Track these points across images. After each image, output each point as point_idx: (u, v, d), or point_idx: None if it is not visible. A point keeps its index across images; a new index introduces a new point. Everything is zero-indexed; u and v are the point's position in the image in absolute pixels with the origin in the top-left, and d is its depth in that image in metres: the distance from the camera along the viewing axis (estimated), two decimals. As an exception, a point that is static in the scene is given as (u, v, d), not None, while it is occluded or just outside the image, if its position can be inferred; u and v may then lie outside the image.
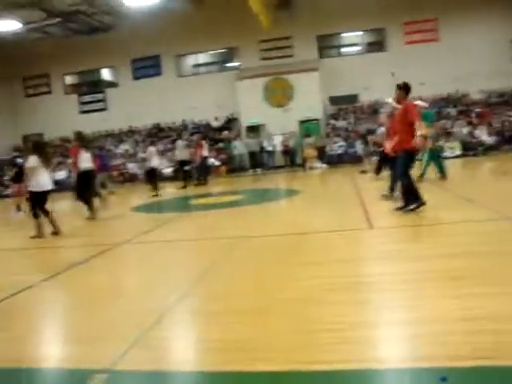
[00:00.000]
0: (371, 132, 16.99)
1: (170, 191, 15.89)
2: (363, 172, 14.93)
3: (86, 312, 3.89)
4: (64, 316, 4.04)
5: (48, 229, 8.31)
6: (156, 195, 13.92)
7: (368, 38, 24.90)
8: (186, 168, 17.15)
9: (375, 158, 16.28)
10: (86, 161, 9.98)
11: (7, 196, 18.54)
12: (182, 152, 16.49)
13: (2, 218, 12.86)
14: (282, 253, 5.40)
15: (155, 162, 14.36)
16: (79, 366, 2.83)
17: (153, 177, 14.51)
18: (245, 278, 4.41)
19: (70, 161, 16.09)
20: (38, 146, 8.49)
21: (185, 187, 16.04)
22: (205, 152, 19.03)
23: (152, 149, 14.54)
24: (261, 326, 3.19)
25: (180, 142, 17.00)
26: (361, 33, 24.65)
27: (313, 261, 4.85)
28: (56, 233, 8.30)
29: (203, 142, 18.21)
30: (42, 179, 8.24)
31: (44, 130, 27.60)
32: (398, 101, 7.58)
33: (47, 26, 23.40)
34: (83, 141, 10.25)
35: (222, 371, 2.61)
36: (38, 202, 8.26)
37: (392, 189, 8.46)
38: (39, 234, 8.19)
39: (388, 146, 8.28)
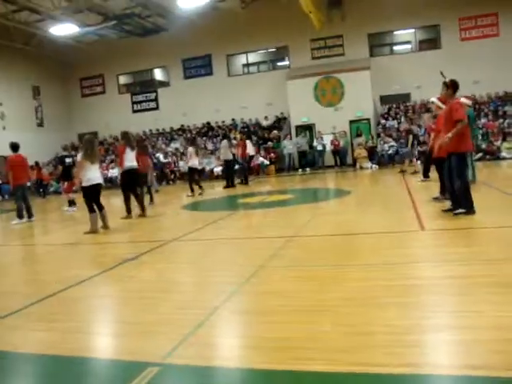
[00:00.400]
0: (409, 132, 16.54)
1: (218, 190, 16.06)
2: (402, 171, 14.60)
3: (138, 306, 3.98)
4: (116, 309, 4.15)
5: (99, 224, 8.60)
6: (192, 195, 13.83)
7: (421, 35, 24.33)
8: (230, 167, 17.17)
9: (415, 159, 15.91)
10: (130, 159, 10.22)
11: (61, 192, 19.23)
12: (226, 152, 16.59)
13: (57, 214, 13.35)
14: (333, 253, 5.35)
15: (194, 161, 14.41)
16: (132, 358, 2.89)
17: (191, 177, 14.59)
18: (295, 278, 4.40)
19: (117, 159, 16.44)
20: (87, 141, 8.71)
21: (228, 187, 16.14)
22: (250, 151, 19.11)
23: (191, 149, 14.61)
24: (312, 325, 3.16)
25: (224, 142, 17.08)
26: (413, 30, 24.07)
27: (363, 262, 4.79)
28: (105, 228, 8.55)
29: (247, 142, 18.24)
30: (91, 174, 8.47)
31: (98, 128, 28.49)
32: (444, 100, 7.37)
33: (103, 28, 24.10)
34: (129, 140, 10.50)
35: (272, 370, 2.60)
36: (90, 196, 8.49)
37: (442, 191, 8.24)
38: (93, 230, 8.44)
39: (436, 147, 8.04)
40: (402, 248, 5.29)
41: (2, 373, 2.93)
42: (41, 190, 22.04)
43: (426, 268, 4.42)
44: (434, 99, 8.47)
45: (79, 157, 8.47)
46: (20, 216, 11.14)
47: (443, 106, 7.65)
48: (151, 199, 12.28)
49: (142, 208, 10.18)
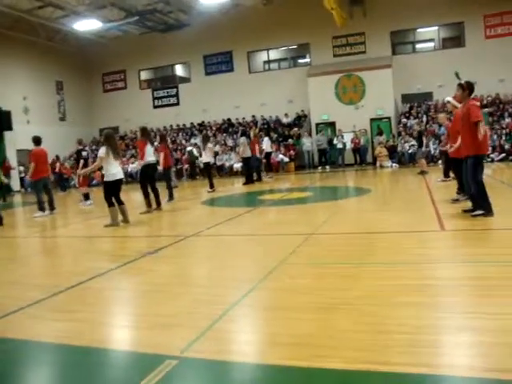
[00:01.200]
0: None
1: (238, 186, 16.10)
2: (423, 173, 14.41)
3: (157, 300, 4.02)
4: (135, 302, 4.20)
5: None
6: (213, 191, 13.84)
7: (444, 32, 23.98)
8: (249, 164, 17.18)
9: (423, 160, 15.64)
10: (149, 154, 10.37)
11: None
12: (244, 149, 16.63)
13: (77, 207, 13.51)
14: (352, 251, 5.34)
15: (208, 157, 14.37)
16: (150, 351, 2.93)
17: (208, 172, 14.60)
18: (314, 275, 4.40)
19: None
20: (107, 136, 8.76)
21: (247, 183, 16.18)
22: (267, 148, 19.07)
23: (210, 145, 14.59)
24: (329, 323, 3.17)
25: (242, 139, 17.10)
26: (436, 28, 23.71)
27: (382, 261, 4.77)
28: (125, 222, 8.64)
29: (265, 139, 18.19)
30: (114, 169, 8.56)
31: (119, 123, 28.76)
32: (459, 101, 7.31)
33: (125, 24, 24.32)
34: (149, 135, 10.63)
35: (288, 366, 2.61)
36: (110, 191, 8.58)
37: (460, 191, 8.17)
38: (114, 223, 8.55)
39: (451, 148, 7.98)
40: (422, 248, 5.26)
41: (24, 361, 3.00)
42: (63, 183, 22.33)
43: (445, 268, 4.39)
44: (449, 98, 8.42)
45: (102, 152, 8.55)
46: (42, 209, 11.32)
47: (459, 105, 7.60)
48: (171, 196, 12.30)
49: (158, 202, 10.31)
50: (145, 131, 10.78)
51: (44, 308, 3.99)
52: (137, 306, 4.06)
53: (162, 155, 11.93)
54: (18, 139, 23.67)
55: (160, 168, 11.65)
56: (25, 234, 9.50)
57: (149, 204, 10.15)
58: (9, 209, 15.45)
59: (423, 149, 15.42)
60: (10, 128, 23.57)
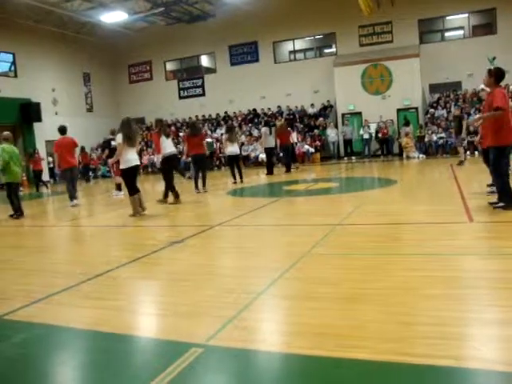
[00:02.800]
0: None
1: (263, 177, 16.10)
2: (461, 163, 14.14)
3: (183, 288, 4.06)
4: (161, 290, 4.24)
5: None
6: (234, 182, 13.71)
7: (475, 19, 23.33)
8: (271, 155, 17.12)
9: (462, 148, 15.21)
10: (169, 146, 10.36)
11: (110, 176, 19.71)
12: (265, 139, 16.59)
13: (103, 197, 13.71)
14: (378, 242, 5.29)
15: (230, 148, 13.92)
16: (176, 338, 2.96)
17: (231, 164, 14.46)
18: (339, 265, 4.38)
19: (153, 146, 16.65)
20: (124, 123, 8.70)
21: (269, 174, 16.12)
22: (292, 139, 18.96)
23: (225, 136, 14.47)
24: (355, 313, 3.15)
25: (264, 130, 17.02)
26: (467, 15, 23.09)
27: (409, 252, 4.72)
28: (142, 209, 8.66)
29: (289, 129, 18.10)
30: (129, 155, 8.51)
31: (145, 114, 28.99)
32: (487, 86, 7.09)
33: (151, 15, 24.44)
34: (164, 127, 10.63)
35: (313, 355, 2.61)
36: (128, 178, 8.58)
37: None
38: (136, 212, 8.59)
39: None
40: (449, 239, 5.18)
41: (54, 345, 3.08)
42: (89, 173, 22.62)
43: (473, 260, 4.31)
44: (482, 86, 8.16)
45: (118, 139, 8.54)
46: (72, 197, 11.39)
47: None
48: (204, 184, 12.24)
49: (176, 194, 10.20)
50: (158, 123, 10.73)
51: (72, 295, 4.07)
52: (163, 295, 4.10)
53: (187, 145, 11.97)
54: (47, 130, 24.10)
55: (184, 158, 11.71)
56: (52, 223, 9.69)
57: (176, 194, 10.14)
58: (39, 198, 15.77)
59: (462, 135, 14.75)
60: (39, 119, 24.01)
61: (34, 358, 2.92)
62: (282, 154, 18.33)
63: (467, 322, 2.93)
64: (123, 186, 9.99)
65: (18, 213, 9.90)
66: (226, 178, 16.25)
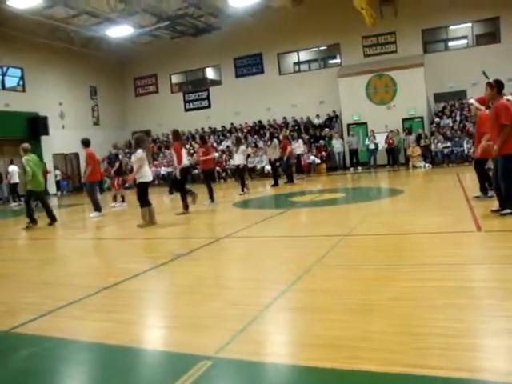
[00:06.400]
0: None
1: (268, 188, 16.10)
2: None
3: (191, 301, 4.05)
4: (169, 303, 4.24)
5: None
6: (243, 194, 13.80)
7: (478, 29, 23.33)
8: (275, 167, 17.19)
9: None
10: (185, 157, 10.61)
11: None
12: (271, 151, 16.74)
13: (109, 209, 13.75)
14: (385, 253, 5.27)
15: (236, 160, 14.21)
16: (185, 351, 2.95)
17: (238, 175, 14.51)
18: (347, 277, 4.36)
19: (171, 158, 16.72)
20: (141, 139, 9.06)
21: (275, 185, 16.16)
22: (298, 150, 19.00)
23: (243, 147, 14.59)
24: (363, 325, 3.13)
25: (274, 142, 17.18)
26: (470, 24, 23.08)
27: (417, 262, 4.69)
28: (151, 223, 8.80)
29: (299, 141, 18.14)
30: (147, 171, 8.86)
31: (151, 127, 29.15)
32: (487, 100, 7.22)
33: (156, 29, 24.66)
34: (181, 138, 10.82)
35: (322, 367, 2.59)
36: (144, 191, 8.80)
37: (482, 189, 8.33)
38: (145, 223, 8.68)
39: (478, 150, 7.86)
40: (458, 249, 5.15)
41: (63, 358, 3.08)
42: (102, 186, 22.75)
43: (482, 270, 4.29)
44: (472, 100, 8.37)
45: (139, 153, 8.74)
46: (98, 209, 11.50)
47: (482, 108, 7.55)
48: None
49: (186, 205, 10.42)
50: (177, 134, 10.91)
51: (81, 308, 4.07)
52: (171, 308, 4.10)
53: (201, 151, 12.14)
54: (53, 144, 24.28)
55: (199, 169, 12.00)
56: (61, 236, 9.71)
57: (186, 206, 10.33)
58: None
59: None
60: (46, 133, 24.20)
61: (42, 371, 2.92)
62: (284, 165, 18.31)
63: (478, 333, 2.90)
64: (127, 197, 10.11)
65: (30, 223, 9.96)
66: (232, 189, 16.28)
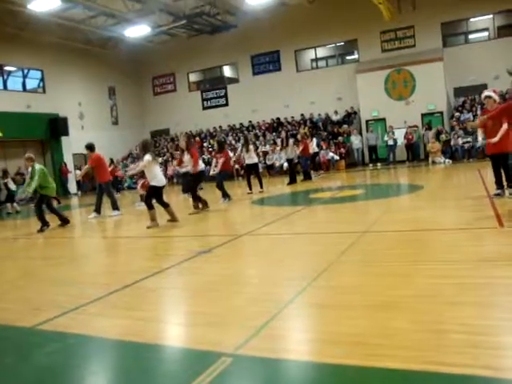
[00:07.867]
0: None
1: (285, 186, 16.08)
2: None
3: (211, 298, 4.07)
4: (189, 300, 4.26)
5: (165, 218, 9.12)
6: (249, 193, 13.83)
7: (500, 20, 22.86)
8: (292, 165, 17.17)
9: None
10: (200, 161, 11.08)
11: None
12: (289, 150, 16.70)
13: (130, 209, 13.86)
14: (406, 249, 5.23)
15: (252, 159, 14.15)
16: (205, 348, 2.97)
17: (248, 173, 14.53)
18: (368, 273, 4.34)
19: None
20: (148, 144, 9.41)
21: (290, 183, 16.12)
22: (313, 148, 18.94)
23: (251, 147, 14.59)
24: (384, 322, 3.11)
25: (291, 141, 17.15)
26: (491, 16, 22.67)
27: (438, 259, 4.64)
28: (174, 220, 9.02)
29: (313, 139, 18.09)
30: (160, 175, 9.07)
31: (170, 125, 29.32)
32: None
33: (173, 28, 24.78)
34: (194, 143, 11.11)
35: (343, 364, 2.59)
36: (155, 194, 8.95)
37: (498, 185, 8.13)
38: (154, 224, 8.83)
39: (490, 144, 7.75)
40: (479, 245, 5.09)
41: (86, 355, 3.13)
42: (119, 185, 22.98)
43: (505, 267, 4.22)
44: (491, 93, 7.97)
45: (148, 157, 8.86)
46: (117, 208, 11.90)
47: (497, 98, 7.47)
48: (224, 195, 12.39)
49: (197, 206, 10.67)
50: (192, 139, 11.26)
51: (102, 306, 4.12)
52: (191, 305, 4.12)
53: (221, 160, 12.36)
54: (73, 144, 24.58)
55: (215, 171, 12.32)
56: (80, 235, 9.84)
57: (197, 206, 10.57)
58: (66, 211, 16.02)
59: None
60: (66, 133, 24.52)
61: (66, 367, 2.97)
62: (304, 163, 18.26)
63: (501, 331, 2.86)
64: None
65: (44, 226, 10.13)
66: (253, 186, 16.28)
